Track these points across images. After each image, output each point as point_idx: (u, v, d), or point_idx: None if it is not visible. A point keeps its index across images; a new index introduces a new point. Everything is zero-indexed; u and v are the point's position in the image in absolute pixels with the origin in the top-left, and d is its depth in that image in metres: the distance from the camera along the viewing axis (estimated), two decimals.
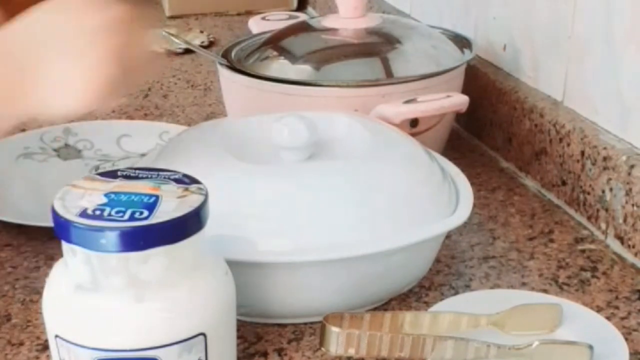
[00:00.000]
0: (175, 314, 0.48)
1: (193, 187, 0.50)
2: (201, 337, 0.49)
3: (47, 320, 0.50)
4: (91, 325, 0.48)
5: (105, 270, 0.47)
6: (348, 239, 0.62)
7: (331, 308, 0.62)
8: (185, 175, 0.51)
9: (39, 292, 0.67)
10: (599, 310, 0.66)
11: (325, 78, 0.84)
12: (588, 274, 0.72)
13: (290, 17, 1.03)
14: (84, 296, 0.48)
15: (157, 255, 0.47)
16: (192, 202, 0.48)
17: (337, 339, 0.58)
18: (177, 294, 0.48)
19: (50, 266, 0.51)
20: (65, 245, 0.48)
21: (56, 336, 0.49)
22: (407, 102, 0.78)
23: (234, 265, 0.60)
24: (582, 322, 0.62)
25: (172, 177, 0.51)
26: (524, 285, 0.70)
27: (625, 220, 0.73)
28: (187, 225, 0.48)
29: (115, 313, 0.48)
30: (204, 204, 0.49)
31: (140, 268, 0.47)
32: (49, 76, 0.53)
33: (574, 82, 0.83)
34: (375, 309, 0.66)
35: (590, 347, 0.57)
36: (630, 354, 0.59)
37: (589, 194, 0.78)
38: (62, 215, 0.47)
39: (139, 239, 0.46)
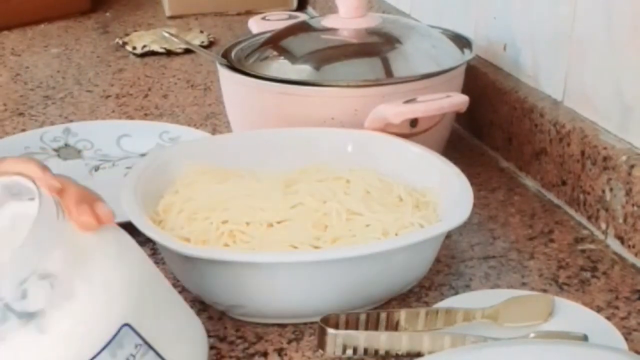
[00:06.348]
0: (86, 323, 0.45)
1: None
2: (126, 328, 0.45)
3: None
4: None
5: None
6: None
7: (331, 308, 0.61)
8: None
9: None
10: (599, 310, 0.66)
11: (325, 78, 0.84)
12: (588, 274, 0.72)
13: (290, 17, 1.03)
14: None
15: (32, 285, 0.43)
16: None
17: (334, 340, 0.58)
18: (77, 303, 0.44)
19: None
20: None
21: None
22: (407, 102, 0.78)
23: (234, 266, 0.60)
24: (578, 317, 0.63)
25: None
26: (524, 285, 0.70)
27: (625, 220, 0.73)
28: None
29: (30, 352, 0.44)
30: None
31: (22, 304, 0.43)
32: None
33: (574, 82, 0.83)
34: (375, 309, 0.66)
35: (585, 337, 0.58)
36: None
37: (589, 194, 0.78)
38: None
39: None
